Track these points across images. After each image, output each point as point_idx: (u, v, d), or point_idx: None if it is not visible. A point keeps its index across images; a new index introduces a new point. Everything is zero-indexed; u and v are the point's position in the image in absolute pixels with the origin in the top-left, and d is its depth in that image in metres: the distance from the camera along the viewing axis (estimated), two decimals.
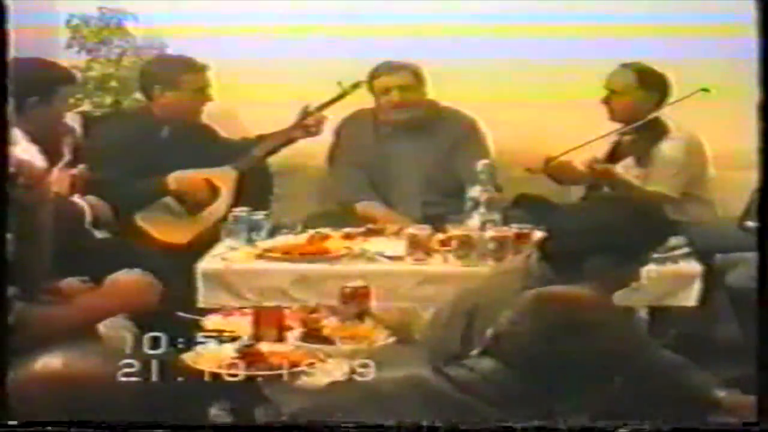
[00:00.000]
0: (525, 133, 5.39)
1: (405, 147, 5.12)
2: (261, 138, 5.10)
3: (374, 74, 5.10)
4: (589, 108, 5.07)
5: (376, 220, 4.90)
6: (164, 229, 4.81)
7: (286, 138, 5.07)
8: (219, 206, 4.88)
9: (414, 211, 4.98)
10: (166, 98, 4.93)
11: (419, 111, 5.11)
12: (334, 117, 5.15)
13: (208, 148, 5.01)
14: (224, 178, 4.94)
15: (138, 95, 5.27)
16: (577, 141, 4.98)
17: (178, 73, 4.95)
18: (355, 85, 5.06)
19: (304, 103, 5.08)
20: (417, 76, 5.09)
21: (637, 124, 4.94)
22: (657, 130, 4.96)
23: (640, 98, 4.97)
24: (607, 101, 5.01)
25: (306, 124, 5.05)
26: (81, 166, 4.46)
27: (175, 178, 4.85)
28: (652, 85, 4.97)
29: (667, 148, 4.93)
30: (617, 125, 5.02)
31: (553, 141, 5.20)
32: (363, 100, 5.14)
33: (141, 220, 4.79)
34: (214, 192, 4.92)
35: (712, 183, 5.04)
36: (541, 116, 5.36)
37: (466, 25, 5.36)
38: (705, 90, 4.72)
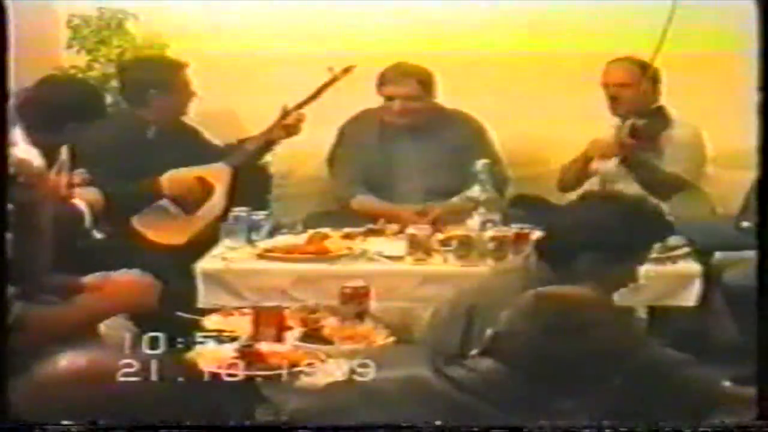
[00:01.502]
0: (525, 131, 5.39)
1: (410, 149, 5.10)
2: (242, 142, 5.08)
3: (382, 79, 5.07)
4: (592, 104, 5.09)
5: (373, 213, 4.89)
6: (161, 231, 4.80)
7: (265, 139, 5.05)
8: (214, 204, 4.88)
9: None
10: (156, 100, 4.94)
11: (422, 117, 5.08)
12: (313, 116, 5.09)
13: (194, 149, 5.00)
14: (218, 175, 4.93)
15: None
16: (578, 138, 5.00)
17: (165, 75, 4.95)
18: (347, 70, 5.02)
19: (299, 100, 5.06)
20: (424, 84, 5.05)
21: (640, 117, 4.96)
22: (663, 119, 4.97)
23: (638, 90, 4.97)
24: (606, 95, 5.01)
25: (285, 124, 5.03)
26: (79, 169, 4.46)
27: (168, 180, 4.84)
28: (647, 77, 4.97)
29: (675, 134, 4.96)
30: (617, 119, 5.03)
31: (555, 139, 5.21)
32: (355, 84, 5.10)
33: (137, 223, 4.78)
34: (208, 190, 4.91)
35: (710, 178, 5.06)
36: (542, 114, 5.36)
37: (466, 23, 5.36)
38: None
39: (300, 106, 5.02)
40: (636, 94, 4.96)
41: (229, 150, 5.05)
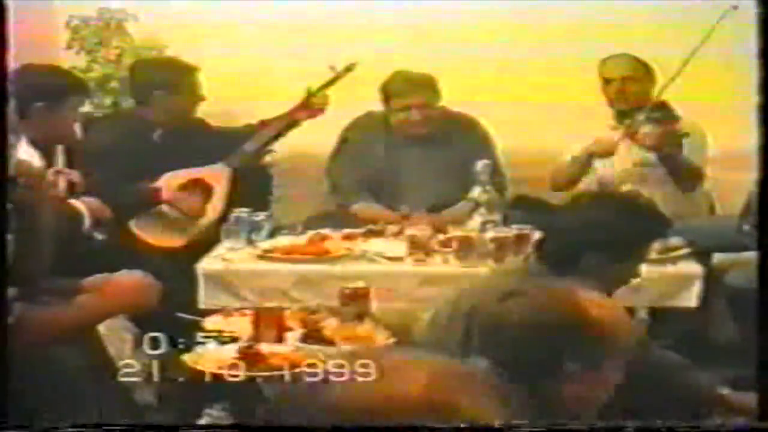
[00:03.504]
0: (526, 131, 5.38)
1: (417, 156, 5.07)
2: (264, 123, 5.07)
3: (389, 91, 5.05)
4: (590, 103, 5.09)
5: (375, 221, 4.88)
6: (160, 233, 4.80)
7: (289, 120, 5.04)
8: (214, 206, 4.87)
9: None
10: (163, 103, 4.93)
11: (437, 124, 5.05)
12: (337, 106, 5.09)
13: (203, 143, 4.99)
14: (217, 176, 4.93)
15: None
16: (578, 135, 5.01)
17: (175, 77, 4.94)
18: (348, 68, 5.00)
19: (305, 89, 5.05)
20: (435, 91, 5.03)
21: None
22: (670, 114, 4.95)
23: (641, 84, 4.97)
24: (607, 90, 5.01)
25: (309, 105, 5.01)
26: (76, 170, 4.46)
27: (167, 183, 4.82)
28: (643, 71, 4.97)
29: (685, 127, 4.94)
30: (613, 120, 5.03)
31: (554, 138, 5.21)
32: (356, 83, 5.09)
33: (137, 227, 4.78)
34: (207, 192, 4.90)
35: (711, 179, 5.07)
36: (541, 112, 5.36)
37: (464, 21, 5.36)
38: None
39: (306, 99, 5.02)
40: (640, 87, 4.96)
41: (243, 136, 5.04)
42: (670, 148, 4.86)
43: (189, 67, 4.96)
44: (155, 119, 4.94)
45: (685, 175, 4.89)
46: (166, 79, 4.93)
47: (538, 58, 5.40)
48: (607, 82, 5.01)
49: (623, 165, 4.96)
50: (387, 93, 5.04)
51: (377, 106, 5.11)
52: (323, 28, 5.40)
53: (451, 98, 5.12)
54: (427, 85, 5.01)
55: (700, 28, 4.82)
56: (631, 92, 4.97)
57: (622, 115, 4.97)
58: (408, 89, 5.01)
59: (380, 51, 5.21)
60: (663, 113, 4.91)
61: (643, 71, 4.97)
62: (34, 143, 4.28)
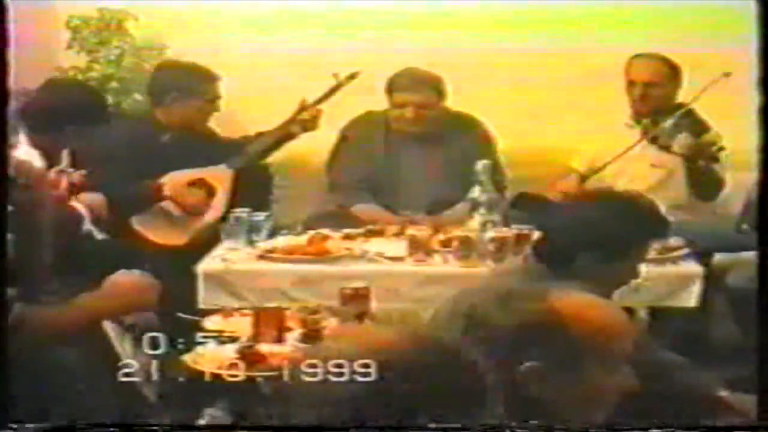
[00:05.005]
0: (536, 130, 5.38)
1: (416, 156, 5.07)
2: (260, 135, 5.08)
3: (392, 86, 5.05)
4: (592, 102, 5.08)
5: (374, 222, 4.88)
6: (161, 231, 4.80)
7: (283, 133, 5.04)
8: (216, 206, 4.87)
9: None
10: (177, 106, 4.92)
11: (433, 125, 5.05)
12: (333, 113, 5.09)
13: (207, 149, 4.99)
14: (220, 177, 4.93)
15: (138, 96, 5.28)
16: (590, 139, 5.01)
17: (194, 82, 4.93)
18: (351, 76, 5.01)
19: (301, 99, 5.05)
20: (438, 91, 5.04)
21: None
22: (697, 122, 4.91)
23: (657, 89, 4.95)
24: (632, 93, 4.98)
25: (303, 119, 5.02)
26: (79, 170, 4.46)
27: (170, 182, 4.83)
28: (669, 74, 4.94)
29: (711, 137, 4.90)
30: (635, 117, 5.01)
31: (565, 138, 5.21)
32: (359, 91, 5.09)
33: (138, 225, 4.78)
34: (210, 192, 4.91)
35: None
36: (553, 112, 5.36)
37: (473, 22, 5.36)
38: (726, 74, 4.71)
39: (299, 113, 5.02)
40: (662, 92, 4.93)
41: (244, 142, 5.04)
42: (704, 161, 4.82)
43: (211, 75, 4.94)
44: (162, 120, 4.94)
45: (706, 185, 4.86)
46: (184, 84, 4.93)
47: (539, 57, 5.40)
48: (631, 83, 4.97)
49: (640, 166, 4.95)
50: (390, 87, 5.05)
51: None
52: (326, 34, 5.40)
53: (453, 97, 5.12)
54: (430, 84, 5.01)
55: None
56: (653, 97, 4.94)
57: (641, 116, 4.95)
58: (410, 86, 5.01)
59: (382, 53, 5.21)
60: (692, 122, 4.86)
61: (669, 74, 4.93)
62: (34, 144, 4.29)
